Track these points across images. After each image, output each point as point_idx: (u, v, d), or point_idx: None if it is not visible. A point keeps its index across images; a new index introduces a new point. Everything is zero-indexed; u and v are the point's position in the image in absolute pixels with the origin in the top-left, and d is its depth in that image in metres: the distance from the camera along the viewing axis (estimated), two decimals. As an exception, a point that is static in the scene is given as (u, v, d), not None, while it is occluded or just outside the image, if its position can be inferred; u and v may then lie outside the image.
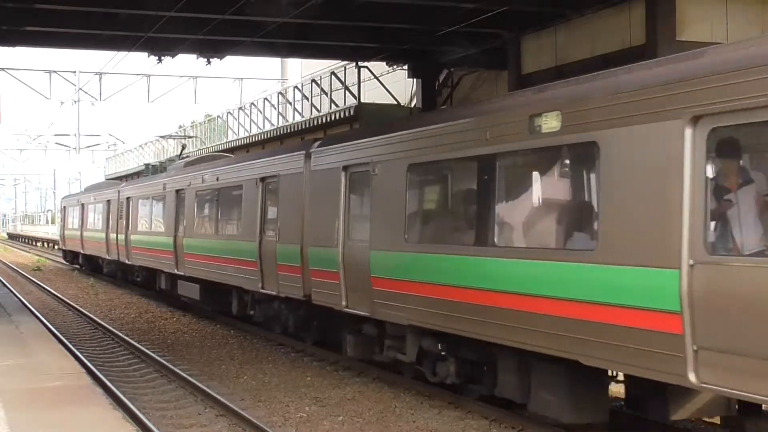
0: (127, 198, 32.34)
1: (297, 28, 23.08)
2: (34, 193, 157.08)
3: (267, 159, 19.30)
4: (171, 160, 33.44)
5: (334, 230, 15.08)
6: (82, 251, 42.22)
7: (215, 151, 40.33)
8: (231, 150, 42.64)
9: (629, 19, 19.68)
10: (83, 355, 17.05)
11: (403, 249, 13.11)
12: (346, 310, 14.76)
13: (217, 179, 22.12)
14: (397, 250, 13.25)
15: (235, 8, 20.03)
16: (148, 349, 18.31)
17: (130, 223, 31.57)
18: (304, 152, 16.98)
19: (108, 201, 35.81)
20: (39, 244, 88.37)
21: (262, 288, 18.69)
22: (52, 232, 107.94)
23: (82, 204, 41.94)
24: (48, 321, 22.07)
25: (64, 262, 49.55)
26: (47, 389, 12.14)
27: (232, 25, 21.89)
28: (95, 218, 38.83)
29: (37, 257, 57.75)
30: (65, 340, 18.59)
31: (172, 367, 16.07)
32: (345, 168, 15.00)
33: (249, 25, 22.20)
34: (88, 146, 79.01)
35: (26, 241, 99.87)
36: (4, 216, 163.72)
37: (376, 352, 14.70)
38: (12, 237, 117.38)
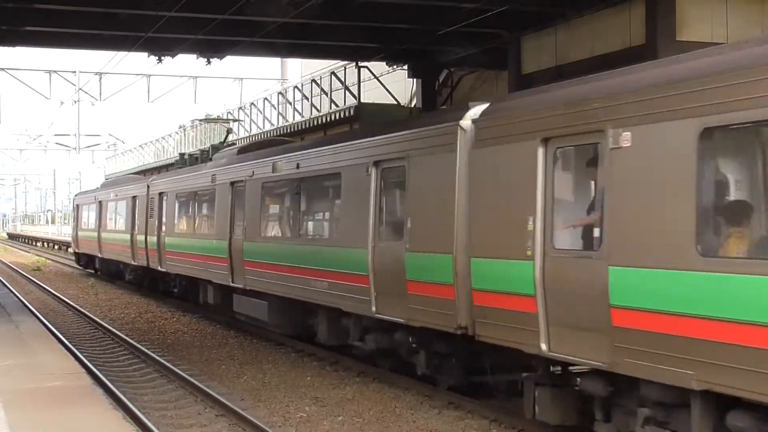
0: (160, 194, 27.56)
1: (297, 28, 23.10)
2: (34, 193, 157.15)
3: (385, 137, 14.22)
4: (216, 147, 27.38)
5: (523, 234, 10.47)
6: (99, 255, 37.46)
7: (271, 137, 33.26)
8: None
9: (629, 19, 19.69)
10: (83, 355, 17.04)
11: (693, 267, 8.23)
12: (551, 354, 10.13)
13: (298, 166, 17.41)
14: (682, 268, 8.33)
15: (235, 8, 20.04)
16: (148, 349, 18.31)
17: (164, 223, 27.03)
18: (455, 122, 12.13)
19: (133, 198, 31.24)
20: (39, 244, 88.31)
21: (378, 312, 13.94)
22: (51, 232, 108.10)
23: (100, 202, 37.53)
24: (48, 321, 22.07)
25: (77, 266, 44.57)
26: (47, 389, 12.14)
27: (232, 25, 21.90)
28: (117, 218, 34.33)
29: (37, 257, 57.74)
30: (65, 340, 18.59)
31: (172, 367, 16.07)
32: (546, 141, 10.26)
33: (249, 25, 22.21)
34: (88, 146, 79.18)
35: (26, 241, 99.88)
36: (4, 216, 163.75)
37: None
38: (12, 237, 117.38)
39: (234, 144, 28.31)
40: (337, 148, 15.97)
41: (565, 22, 21.56)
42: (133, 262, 31.01)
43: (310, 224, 17.97)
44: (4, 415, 10.46)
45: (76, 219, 43.27)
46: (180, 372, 15.55)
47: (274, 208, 19.70)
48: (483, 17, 20.78)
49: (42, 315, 23.34)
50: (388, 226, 14.14)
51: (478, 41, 23.91)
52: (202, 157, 27.39)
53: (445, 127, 12.40)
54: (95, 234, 37.51)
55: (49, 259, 56.88)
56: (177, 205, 26.12)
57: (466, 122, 11.93)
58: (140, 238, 29.38)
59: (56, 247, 77.11)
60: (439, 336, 12.77)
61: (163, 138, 61.74)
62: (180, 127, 59.87)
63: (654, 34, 18.89)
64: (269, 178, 18.82)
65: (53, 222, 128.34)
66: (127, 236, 31.33)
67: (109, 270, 37.35)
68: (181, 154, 33.31)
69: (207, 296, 23.39)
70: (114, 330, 21.36)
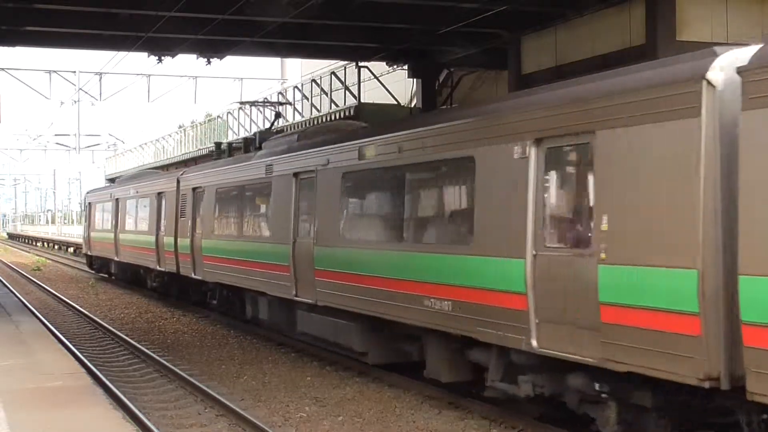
0: (194, 189, 23.89)
1: (297, 28, 23.11)
2: (34, 193, 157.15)
3: (554, 103, 10.32)
4: (264, 132, 23.47)
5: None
6: (115, 258, 33.59)
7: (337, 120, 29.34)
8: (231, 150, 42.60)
9: (629, 19, 19.69)
10: (83, 355, 17.04)
11: None
12: None
13: (400, 150, 13.40)
14: None
15: (235, 8, 20.05)
16: (148, 349, 18.31)
17: (201, 223, 23.13)
18: (700, 75, 8.40)
19: (159, 194, 27.54)
20: (39, 244, 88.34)
21: (543, 347, 10.23)
22: (52, 232, 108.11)
23: (117, 199, 33.72)
24: (48, 321, 22.06)
25: (90, 270, 40.82)
26: (47, 389, 12.14)
27: (232, 25, 21.91)
28: (138, 217, 30.67)
29: (37, 257, 57.74)
30: (65, 340, 18.58)
31: (172, 367, 16.07)
32: None
33: (249, 25, 22.21)
34: (88, 146, 79.21)
35: (26, 241, 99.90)
36: (4, 216, 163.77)
37: None
38: (12, 237, 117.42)
39: (282, 130, 24.14)
40: (469, 124, 11.95)
41: (565, 22, 21.56)
42: (158, 268, 27.41)
43: (421, 225, 13.48)
44: (4, 415, 10.46)
45: (89, 219, 39.39)
46: (180, 372, 15.55)
47: (362, 204, 15.79)
48: (483, 17, 20.78)
49: (42, 315, 23.33)
50: (559, 228, 10.46)
51: (478, 41, 23.92)
52: (244, 146, 23.86)
53: (677, 84, 8.62)
54: (111, 235, 33.82)
55: (49, 259, 56.88)
56: (217, 202, 22.14)
57: (715, 74, 8.32)
58: (168, 240, 25.94)
59: (56, 247, 77.12)
60: (649, 385, 9.18)
61: (163, 138, 61.73)
62: (180, 127, 59.86)
63: (654, 34, 18.89)
64: (353, 167, 14.87)
65: (53, 222, 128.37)
66: (152, 238, 27.65)
67: (126, 275, 33.70)
68: (217, 144, 29.41)
69: (257, 311, 19.79)
70: (114, 330, 21.36)
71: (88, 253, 39.56)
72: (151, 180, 30.05)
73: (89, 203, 39.89)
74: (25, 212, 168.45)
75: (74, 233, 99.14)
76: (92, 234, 38.28)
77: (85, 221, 40.95)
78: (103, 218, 36.45)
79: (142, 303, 28.57)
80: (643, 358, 8.78)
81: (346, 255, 14.95)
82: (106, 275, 37.85)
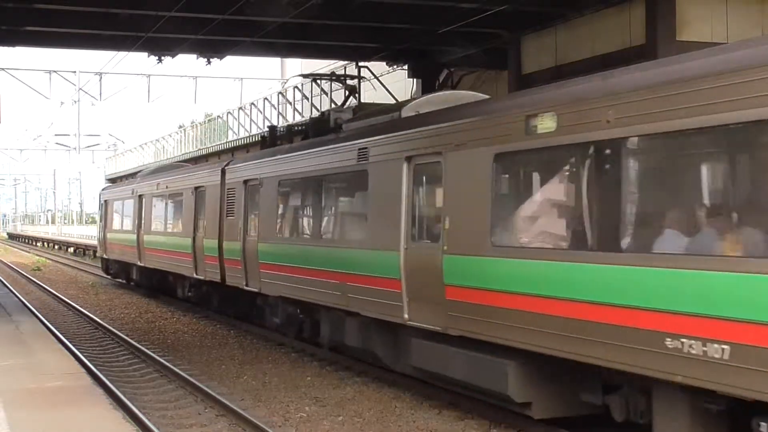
0: (246, 182, 19.94)
1: (297, 28, 23.10)
2: (34, 193, 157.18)
3: None
4: (339, 110, 18.49)
5: None
6: (138, 263, 29.67)
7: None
8: (231, 150, 42.68)
9: (629, 19, 19.69)
10: (83, 355, 17.03)
11: None
12: None
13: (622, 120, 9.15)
14: None
15: (235, 8, 20.05)
16: (148, 349, 18.30)
17: (256, 224, 19.30)
18: None
19: (196, 189, 23.78)
20: (39, 244, 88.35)
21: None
22: (52, 232, 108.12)
23: (140, 196, 29.68)
24: (48, 321, 22.06)
25: (106, 276, 37.01)
26: (47, 389, 12.14)
27: (232, 25, 21.91)
28: (168, 216, 27.34)
29: (37, 257, 57.74)
30: (65, 340, 18.58)
31: (172, 367, 16.07)
32: None
33: (249, 25, 22.21)
34: (88, 146, 79.25)
35: (26, 241, 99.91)
36: (4, 216, 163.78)
37: None
38: (12, 237, 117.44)
39: (356, 111, 18.59)
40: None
41: (565, 22, 21.56)
42: (194, 276, 23.69)
43: (642, 223, 9.36)
44: (4, 415, 10.46)
45: (104, 218, 35.32)
46: (180, 372, 15.55)
47: (525, 196, 11.65)
48: (483, 17, 20.78)
49: (42, 315, 23.34)
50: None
51: (478, 41, 23.91)
52: (316, 129, 18.30)
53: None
54: (133, 237, 29.76)
55: (49, 259, 56.89)
56: (281, 198, 18.47)
57: None
58: (209, 243, 22.17)
59: (56, 247, 77.15)
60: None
61: (163, 138, 61.75)
62: (180, 127, 59.88)
63: (654, 34, 18.89)
64: (523, 146, 10.69)
65: (53, 222, 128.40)
66: (186, 241, 24.09)
67: (150, 283, 29.74)
68: (271, 128, 24.41)
69: (340, 335, 15.70)
70: (114, 330, 21.36)
71: (104, 256, 35.49)
72: (185, 173, 26.14)
73: (105, 201, 35.67)
74: (25, 212, 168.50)
75: (74, 233, 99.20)
76: (109, 235, 34.30)
77: (100, 221, 36.62)
78: (122, 217, 32.49)
79: (142, 303, 28.57)
80: None
81: (518, 268, 10.69)
82: (124, 281, 34.05)
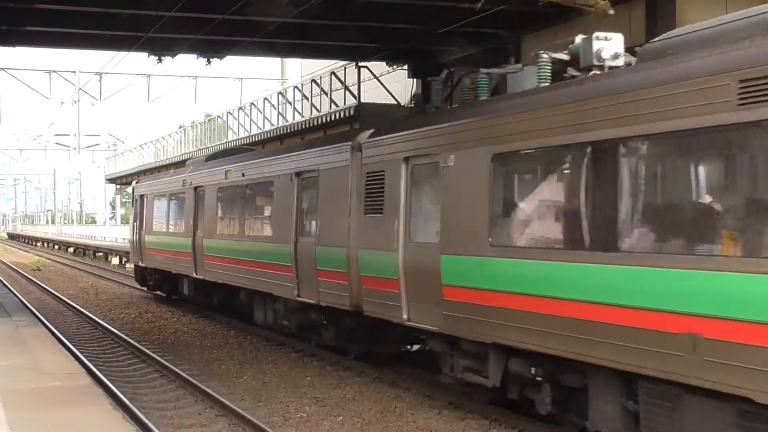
0: (407, 159, 13.50)
1: (297, 28, 23.09)
2: (34, 193, 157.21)
3: None
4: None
5: None
6: (194, 275, 23.35)
7: None
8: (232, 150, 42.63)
9: (629, 18, 19.68)
10: (83, 355, 17.04)
11: None
12: None
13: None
14: None
15: (235, 8, 20.03)
16: (148, 349, 18.31)
17: (416, 223, 13.34)
18: None
19: (299, 176, 17.42)
20: (39, 244, 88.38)
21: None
22: (52, 232, 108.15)
23: (197, 188, 23.58)
24: (48, 321, 22.07)
25: (141, 287, 30.74)
26: (47, 389, 12.14)
27: (232, 25, 21.89)
28: (246, 215, 20.68)
29: (37, 257, 57.74)
30: (65, 340, 18.59)
31: (172, 367, 16.07)
32: None
33: (249, 25, 22.20)
34: (88, 146, 79.32)
35: (26, 241, 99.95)
36: (4, 216, 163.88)
37: None
38: (12, 237, 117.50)
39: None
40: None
41: (565, 22, 21.55)
42: (297, 298, 17.15)
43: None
44: (4, 415, 10.46)
45: (140, 217, 29.36)
46: (180, 372, 15.55)
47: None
48: (483, 17, 20.77)
49: (42, 315, 23.34)
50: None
51: (478, 41, 23.90)
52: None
53: None
54: (185, 241, 23.81)
55: (49, 259, 56.90)
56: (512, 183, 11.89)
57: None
58: (331, 253, 15.71)
59: (56, 247, 77.18)
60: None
61: (163, 138, 61.78)
62: (180, 127, 59.89)
63: (654, 34, 18.82)
64: None
65: (53, 222, 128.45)
66: (284, 249, 17.61)
67: (209, 300, 23.69)
68: (420, 92, 19.15)
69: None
70: (114, 330, 21.36)
71: (140, 264, 29.38)
72: (276, 156, 19.38)
73: (141, 196, 29.71)
74: (25, 212, 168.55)
75: (74, 233, 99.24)
76: (147, 238, 28.22)
77: (134, 220, 30.35)
78: (168, 216, 26.72)
79: (142, 303, 28.57)
80: None
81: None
82: (165, 294, 28.38)
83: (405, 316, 13.26)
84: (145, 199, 29.16)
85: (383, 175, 14.01)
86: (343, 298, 15.20)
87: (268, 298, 19.21)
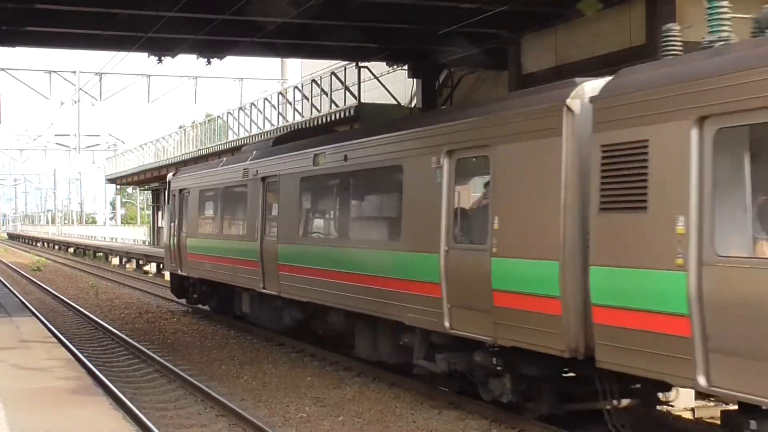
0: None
1: (297, 28, 23.09)
2: (35, 194, 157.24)
3: None
4: None
5: None
6: (263, 289, 18.40)
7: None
8: (232, 150, 42.69)
9: (629, 19, 19.68)
10: (83, 355, 17.05)
11: None
12: None
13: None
14: None
15: (235, 8, 20.04)
16: (148, 349, 18.31)
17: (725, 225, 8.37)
18: None
19: (445, 158, 12.21)
20: (39, 244, 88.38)
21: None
22: (52, 232, 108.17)
23: (265, 179, 18.76)
24: (48, 321, 22.08)
25: (178, 300, 26.21)
26: (47, 389, 12.14)
27: (232, 25, 21.89)
28: (348, 214, 15.77)
29: (38, 257, 57.74)
30: (65, 340, 18.59)
31: (172, 367, 16.07)
32: None
33: (249, 25, 22.19)
34: (89, 146, 79.32)
35: (26, 241, 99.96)
36: (4, 216, 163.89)
37: None
38: (12, 237, 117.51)
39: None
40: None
41: (565, 22, 21.55)
42: (451, 330, 12.01)
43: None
44: (4, 415, 10.46)
45: (179, 216, 24.58)
46: (180, 372, 15.55)
47: None
48: (483, 17, 20.77)
49: (42, 315, 23.35)
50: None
51: (478, 41, 23.89)
52: None
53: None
54: (250, 247, 18.89)
55: (49, 259, 56.90)
56: None
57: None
58: (518, 269, 10.86)
59: (56, 247, 77.19)
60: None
61: (163, 138, 61.79)
62: (180, 127, 59.85)
63: (654, 34, 18.85)
64: None
65: (53, 222, 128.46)
66: (430, 261, 12.43)
67: (280, 322, 18.69)
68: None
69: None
70: (114, 330, 21.36)
71: (178, 272, 24.36)
72: (405, 131, 13.61)
73: (180, 191, 24.70)
74: (25, 212, 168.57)
75: (74, 233, 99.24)
76: (190, 242, 23.38)
77: (170, 220, 25.46)
78: (220, 215, 21.88)
79: (142, 303, 28.57)
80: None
81: None
82: (213, 310, 23.64)
83: (702, 380, 8.40)
84: (187, 195, 24.00)
85: (645, 148, 9.15)
86: (550, 337, 10.38)
87: (385, 325, 14.15)
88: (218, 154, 44.73)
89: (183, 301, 25.72)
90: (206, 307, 24.36)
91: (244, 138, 43.52)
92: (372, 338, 14.83)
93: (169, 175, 27.05)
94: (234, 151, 41.65)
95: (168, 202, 26.39)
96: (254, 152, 20.53)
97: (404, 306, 13.07)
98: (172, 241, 25.20)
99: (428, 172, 12.58)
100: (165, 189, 26.23)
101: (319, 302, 16.22)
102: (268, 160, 19.09)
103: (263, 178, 18.93)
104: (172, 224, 25.19)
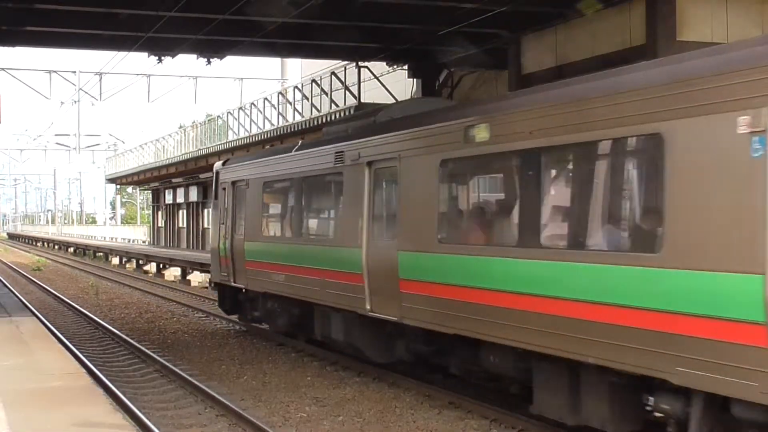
0: None
1: (297, 28, 23.09)
2: (35, 194, 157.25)
3: None
4: None
5: None
6: (367, 311, 13.94)
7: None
8: (232, 150, 42.70)
9: (629, 19, 19.69)
10: (83, 355, 17.04)
11: None
12: None
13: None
14: None
15: (235, 8, 20.04)
16: (148, 349, 18.31)
17: None
18: None
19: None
20: (39, 244, 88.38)
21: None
22: (52, 232, 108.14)
23: (371, 163, 14.00)
24: (48, 321, 22.07)
25: (228, 315, 22.09)
26: (47, 389, 12.13)
27: (232, 25, 21.90)
28: (526, 208, 10.59)
29: (38, 257, 57.74)
30: (65, 340, 18.58)
31: (172, 367, 16.07)
32: None
33: (249, 25, 22.20)
34: (88, 146, 79.30)
35: (26, 241, 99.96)
36: (4, 216, 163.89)
37: None
38: (12, 237, 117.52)
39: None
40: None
41: (565, 22, 21.55)
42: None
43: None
44: (4, 415, 10.45)
45: (232, 214, 20.13)
46: (180, 372, 15.55)
47: None
48: (483, 17, 20.78)
49: (42, 315, 23.35)
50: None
51: (478, 41, 23.90)
52: None
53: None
54: (350, 255, 14.43)
55: (49, 259, 56.90)
56: None
57: None
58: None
59: (56, 247, 77.18)
60: None
61: (163, 138, 61.80)
62: (180, 127, 59.80)
63: (654, 34, 18.89)
64: None
65: (53, 222, 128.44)
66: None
67: (396, 357, 14.37)
68: None
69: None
70: (114, 330, 21.36)
71: (232, 283, 20.02)
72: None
73: (233, 183, 20.26)
74: (25, 212, 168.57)
75: (74, 233, 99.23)
76: (249, 247, 19.01)
77: (220, 221, 20.88)
78: (298, 213, 17.39)
79: (142, 303, 28.57)
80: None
81: None
82: (284, 334, 18.91)
83: None
84: (245, 188, 19.49)
85: None
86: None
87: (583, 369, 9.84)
88: (218, 154, 44.72)
89: (235, 317, 21.37)
90: (265, 326, 19.98)
91: (244, 138, 43.51)
92: (556, 386, 10.45)
93: (217, 164, 22.14)
94: (234, 150, 41.65)
95: (216, 197, 21.44)
96: (349, 130, 15.93)
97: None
98: (221, 246, 20.48)
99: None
100: (213, 181, 21.62)
101: (464, 333, 11.60)
102: (379, 139, 13.98)
103: (369, 163, 14.13)
104: (222, 225, 20.57)
